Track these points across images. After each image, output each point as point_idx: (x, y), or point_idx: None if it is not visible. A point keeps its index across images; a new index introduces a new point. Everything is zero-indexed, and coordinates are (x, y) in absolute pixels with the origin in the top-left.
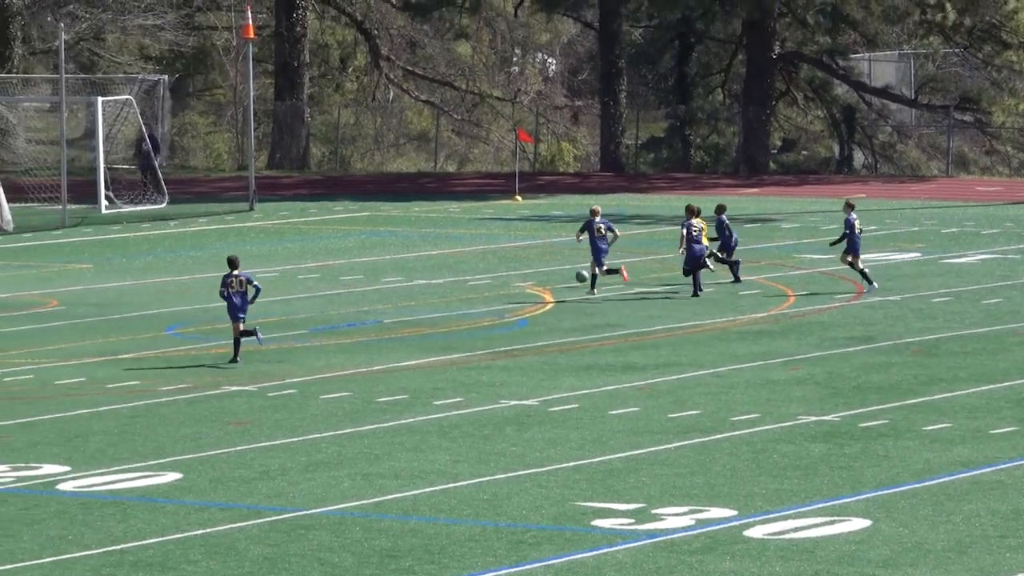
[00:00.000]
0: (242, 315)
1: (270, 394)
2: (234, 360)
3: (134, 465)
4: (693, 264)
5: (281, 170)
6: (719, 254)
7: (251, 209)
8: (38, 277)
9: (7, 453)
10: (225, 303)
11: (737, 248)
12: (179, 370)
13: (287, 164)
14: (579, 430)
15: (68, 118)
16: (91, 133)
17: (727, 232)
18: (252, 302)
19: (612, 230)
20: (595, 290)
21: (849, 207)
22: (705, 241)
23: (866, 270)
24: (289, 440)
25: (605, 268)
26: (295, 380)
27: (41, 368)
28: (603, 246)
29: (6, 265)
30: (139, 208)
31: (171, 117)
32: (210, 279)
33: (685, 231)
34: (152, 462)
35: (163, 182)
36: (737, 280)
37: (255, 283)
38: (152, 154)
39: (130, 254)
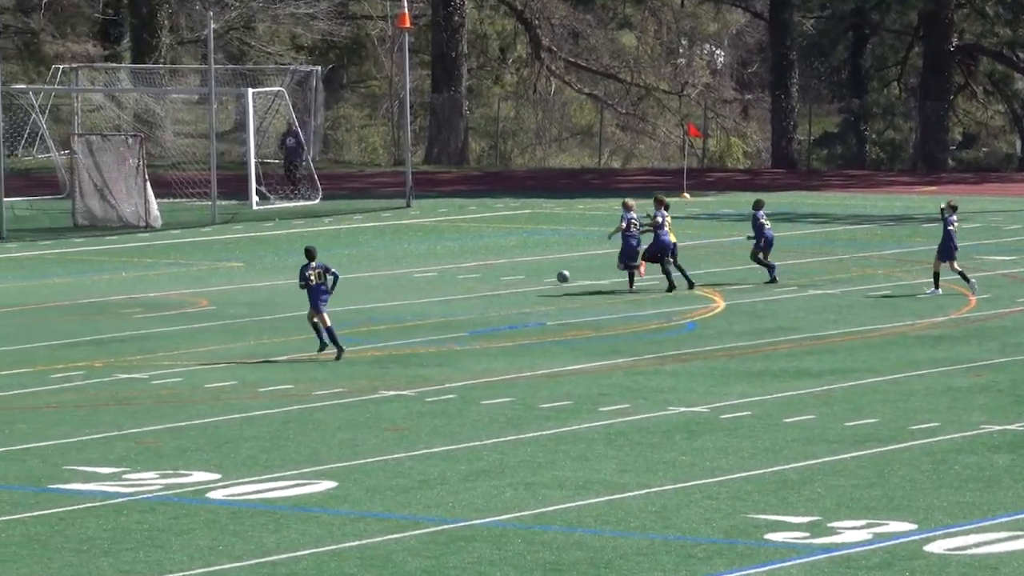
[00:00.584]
0: (324, 304)
1: (429, 399)
2: (323, 348)
3: (287, 473)
4: (628, 259)
5: (439, 165)
6: (760, 257)
7: (408, 206)
8: (187, 276)
9: (155, 459)
10: (306, 294)
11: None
12: (334, 373)
13: (445, 159)
14: (751, 439)
15: (217, 110)
16: (241, 126)
17: (762, 229)
18: (332, 291)
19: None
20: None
21: (951, 208)
22: (672, 237)
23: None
24: (448, 447)
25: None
26: (455, 384)
27: (190, 371)
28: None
29: (154, 263)
30: (291, 204)
31: (324, 110)
32: (365, 279)
33: (624, 224)
34: (306, 470)
35: (316, 177)
36: (773, 280)
37: (333, 271)
38: (300, 150)
39: (282, 252)
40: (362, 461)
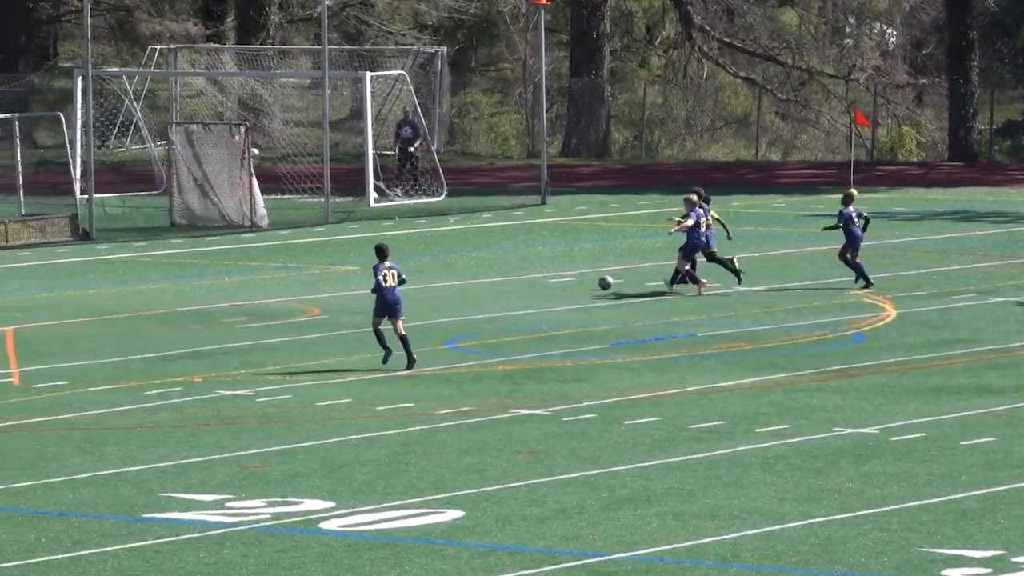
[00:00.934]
0: (400, 310)
1: (565, 419)
2: (388, 359)
3: (408, 501)
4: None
5: (577, 158)
6: (848, 257)
7: (543, 203)
8: (298, 281)
9: (262, 486)
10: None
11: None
12: (460, 390)
13: (584, 151)
14: (926, 463)
15: (332, 96)
16: (358, 114)
17: (853, 226)
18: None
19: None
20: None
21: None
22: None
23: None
24: (588, 473)
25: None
26: (594, 403)
27: (301, 386)
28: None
29: (261, 267)
30: (413, 201)
31: (450, 95)
32: (495, 284)
33: (692, 220)
34: (429, 497)
35: (441, 171)
36: (868, 284)
37: (404, 277)
38: (420, 140)
39: (403, 254)
40: (491, 488)
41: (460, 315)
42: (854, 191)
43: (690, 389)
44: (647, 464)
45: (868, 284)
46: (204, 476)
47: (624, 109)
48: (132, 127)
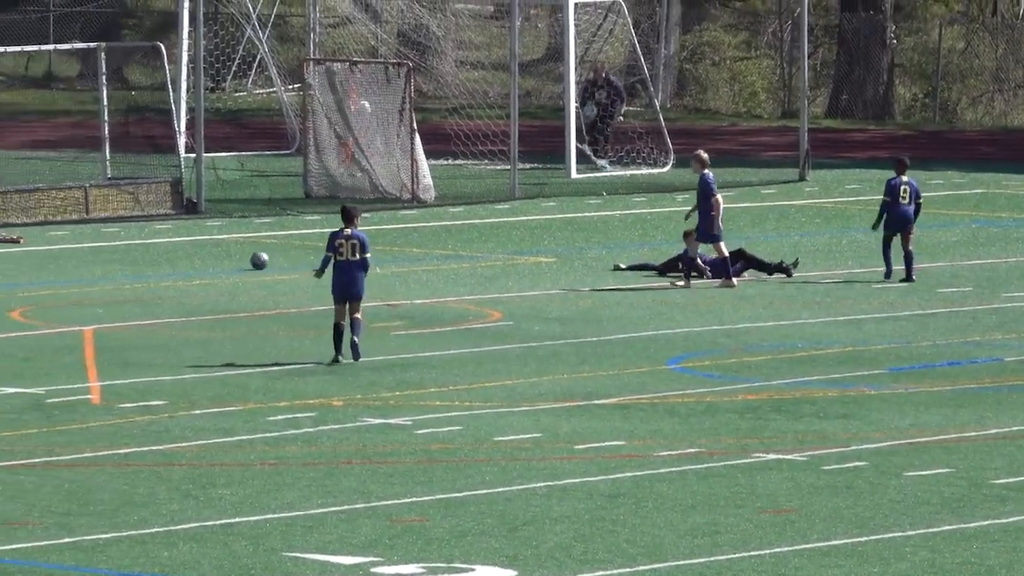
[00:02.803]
0: (355, 294)
1: (826, 467)
2: (335, 360)
3: (614, 571)
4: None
5: (849, 120)
6: (887, 238)
7: (802, 179)
8: (473, 275)
9: (422, 545)
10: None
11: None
12: (683, 424)
13: (858, 111)
14: None
15: (522, 29)
16: (557, 54)
17: (901, 199)
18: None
19: None
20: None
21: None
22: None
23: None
24: (854, 540)
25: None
26: (865, 447)
27: (475, 415)
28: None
29: (423, 255)
30: (630, 172)
31: (680, 32)
32: (737, 287)
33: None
34: (642, 567)
35: (667, 134)
36: (908, 279)
37: (367, 254)
38: (617, 101)
39: (614, 242)
40: (725, 557)
41: (689, 326)
42: None
43: (993, 432)
44: (933, 530)
45: None
46: (344, 532)
47: (912, 56)
48: (256, 65)
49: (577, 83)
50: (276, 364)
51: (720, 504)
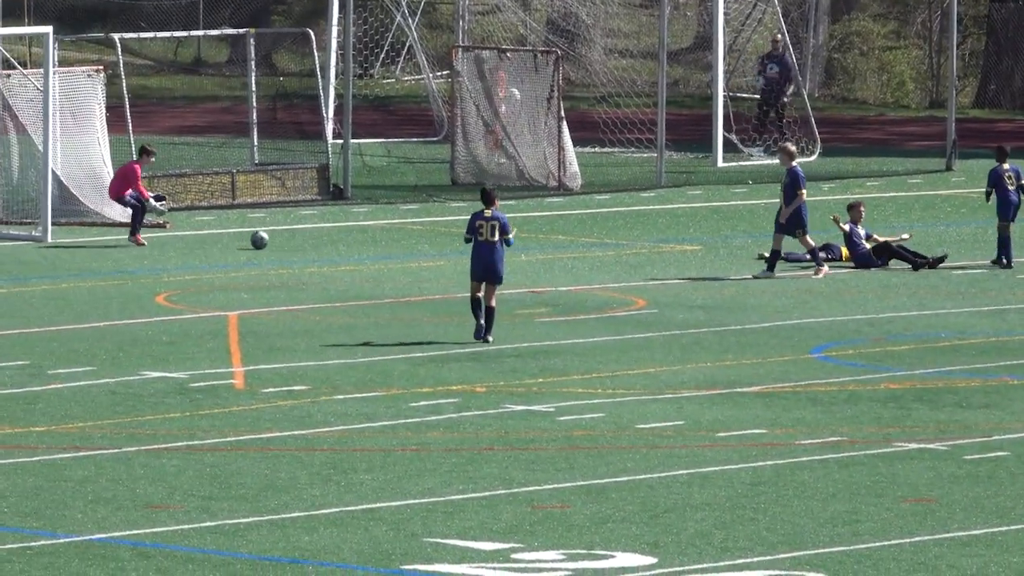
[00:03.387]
0: (494, 276)
1: (967, 457)
2: (483, 337)
3: (755, 559)
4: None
5: (998, 110)
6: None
7: (949, 168)
8: (617, 262)
9: (562, 532)
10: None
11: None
12: (825, 412)
13: (1007, 100)
14: None
15: (671, 18)
16: (706, 42)
17: (1007, 189)
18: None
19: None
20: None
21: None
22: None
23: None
24: (995, 530)
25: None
26: (1008, 436)
27: (618, 403)
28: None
29: (569, 242)
30: (776, 160)
31: (829, 21)
32: (880, 275)
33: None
34: (783, 555)
35: (814, 123)
36: (1003, 263)
37: (511, 236)
38: (785, 83)
39: (757, 231)
40: (866, 546)
41: (833, 314)
42: None
43: None
44: None
45: None
46: (485, 517)
47: None
48: (404, 51)
49: (726, 72)
50: (420, 352)
51: (861, 493)
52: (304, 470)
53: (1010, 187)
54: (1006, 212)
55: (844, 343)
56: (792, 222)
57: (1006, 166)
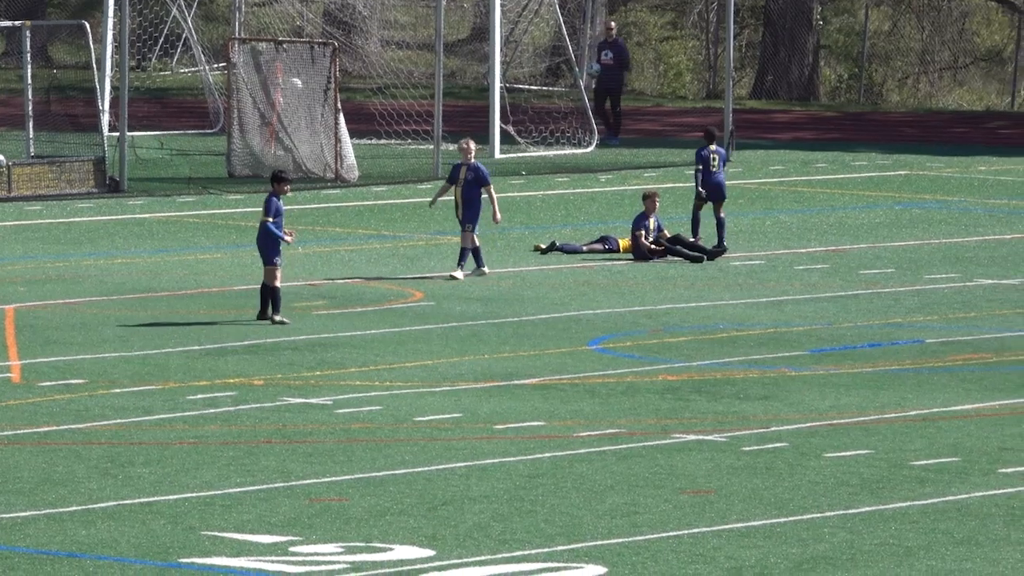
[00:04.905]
0: (276, 258)
1: (746, 447)
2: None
3: (533, 551)
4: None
5: (774, 101)
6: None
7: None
8: (395, 255)
9: (340, 524)
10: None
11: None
12: (603, 405)
13: (783, 91)
14: None
15: (448, 9)
16: (482, 33)
17: (712, 168)
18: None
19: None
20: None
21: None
22: None
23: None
24: (773, 521)
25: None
26: (785, 428)
27: (395, 395)
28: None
29: (347, 235)
30: (552, 152)
31: (606, 12)
32: (658, 266)
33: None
34: (561, 548)
35: (591, 114)
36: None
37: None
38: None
39: (538, 224)
40: (644, 537)
41: (611, 306)
42: None
43: (913, 413)
44: (852, 511)
45: None
46: (263, 511)
47: (838, 38)
48: (180, 44)
49: (502, 63)
50: (197, 344)
51: (639, 485)
52: (81, 464)
53: (713, 169)
54: (712, 194)
55: (622, 335)
56: (469, 215)
57: (713, 147)
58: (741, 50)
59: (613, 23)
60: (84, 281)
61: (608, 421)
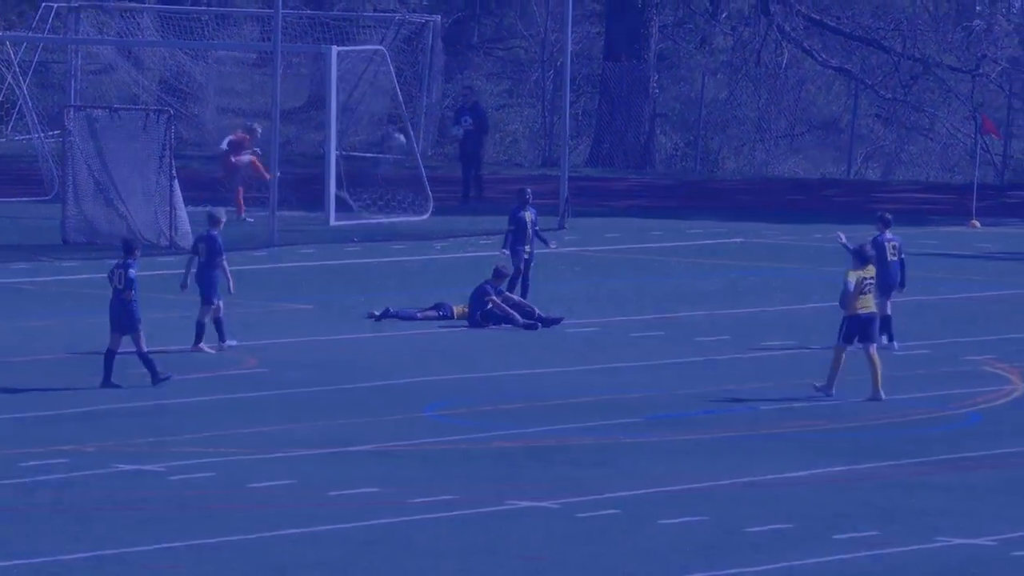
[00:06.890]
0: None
1: (580, 515)
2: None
3: None
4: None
5: (610, 169)
6: None
7: (561, 227)
8: (231, 322)
9: None
10: None
11: None
12: (438, 471)
13: (619, 159)
14: None
15: (285, 77)
16: (319, 101)
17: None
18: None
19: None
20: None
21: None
22: None
23: None
24: None
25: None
26: (620, 494)
27: (229, 461)
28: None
29: (180, 301)
30: (391, 219)
31: (442, 81)
32: (493, 334)
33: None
34: None
35: (426, 181)
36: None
37: (132, 275)
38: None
39: (372, 290)
40: None
41: (445, 373)
42: (976, 223)
43: (746, 480)
44: None
45: None
46: None
47: (675, 106)
48: (15, 112)
49: (338, 131)
50: (30, 411)
51: (474, 551)
52: None
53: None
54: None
55: (456, 402)
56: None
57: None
58: (577, 118)
59: (471, 87)
60: None
61: (442, 487)
